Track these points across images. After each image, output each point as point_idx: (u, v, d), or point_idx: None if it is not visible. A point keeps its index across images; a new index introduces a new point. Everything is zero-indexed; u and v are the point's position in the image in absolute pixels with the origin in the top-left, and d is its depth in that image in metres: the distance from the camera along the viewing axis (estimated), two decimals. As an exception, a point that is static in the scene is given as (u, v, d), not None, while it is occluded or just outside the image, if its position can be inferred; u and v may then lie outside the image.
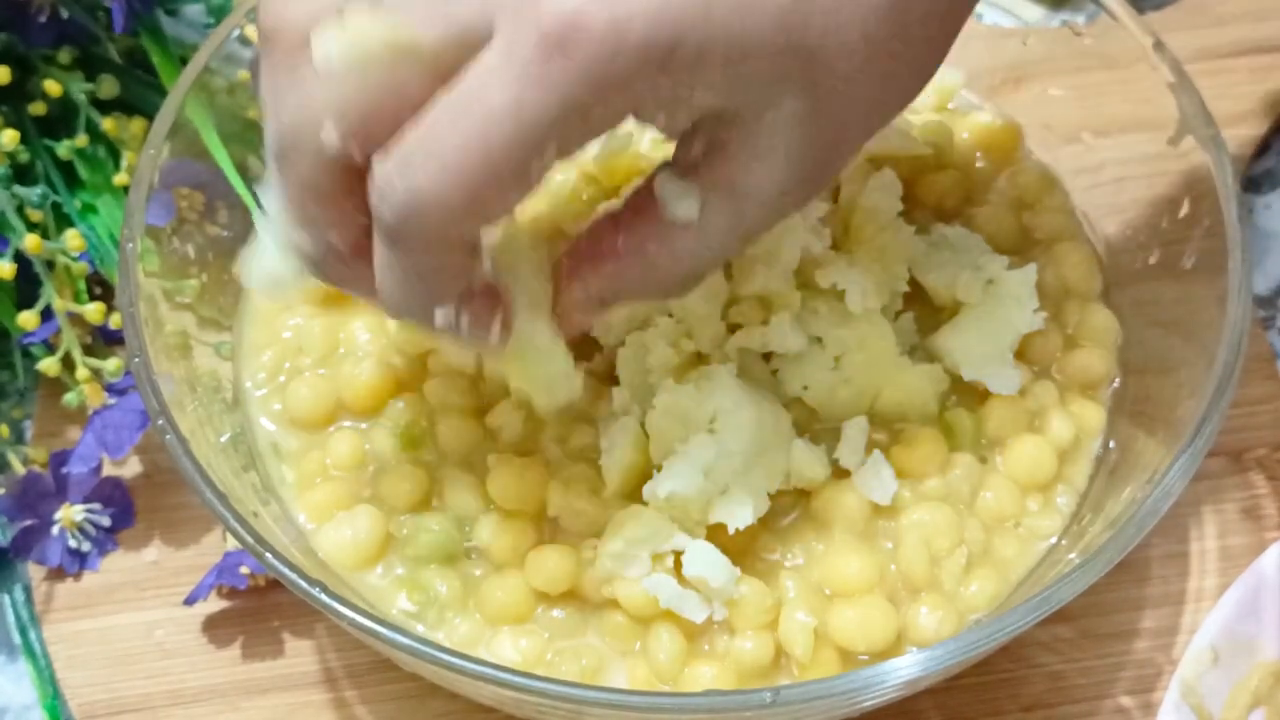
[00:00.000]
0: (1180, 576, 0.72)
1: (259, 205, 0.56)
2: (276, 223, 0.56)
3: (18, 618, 0.73)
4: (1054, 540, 0.65)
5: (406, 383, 0.67)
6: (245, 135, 0.75)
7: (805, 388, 0.64)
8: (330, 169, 0.51)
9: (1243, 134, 0.85)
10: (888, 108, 0.56)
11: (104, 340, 0.77)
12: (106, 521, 0.73)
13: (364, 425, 0.67)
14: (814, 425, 0.65)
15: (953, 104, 0.78)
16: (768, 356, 0.65)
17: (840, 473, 0.64)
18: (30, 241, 0.73)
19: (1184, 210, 0.69)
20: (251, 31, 0.75)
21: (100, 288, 0.79)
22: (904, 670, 0.56)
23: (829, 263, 0.64)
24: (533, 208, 0.68)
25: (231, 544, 0.71)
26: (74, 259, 0.75)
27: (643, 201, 0.56)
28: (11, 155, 0.76)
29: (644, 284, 0.56)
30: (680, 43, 0.48)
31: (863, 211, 0.67)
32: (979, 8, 0.87)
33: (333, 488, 0.65)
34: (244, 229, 0.73)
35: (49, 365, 0.74)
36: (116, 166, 0.80)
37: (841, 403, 0.64)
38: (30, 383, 0.79)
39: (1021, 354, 0.68)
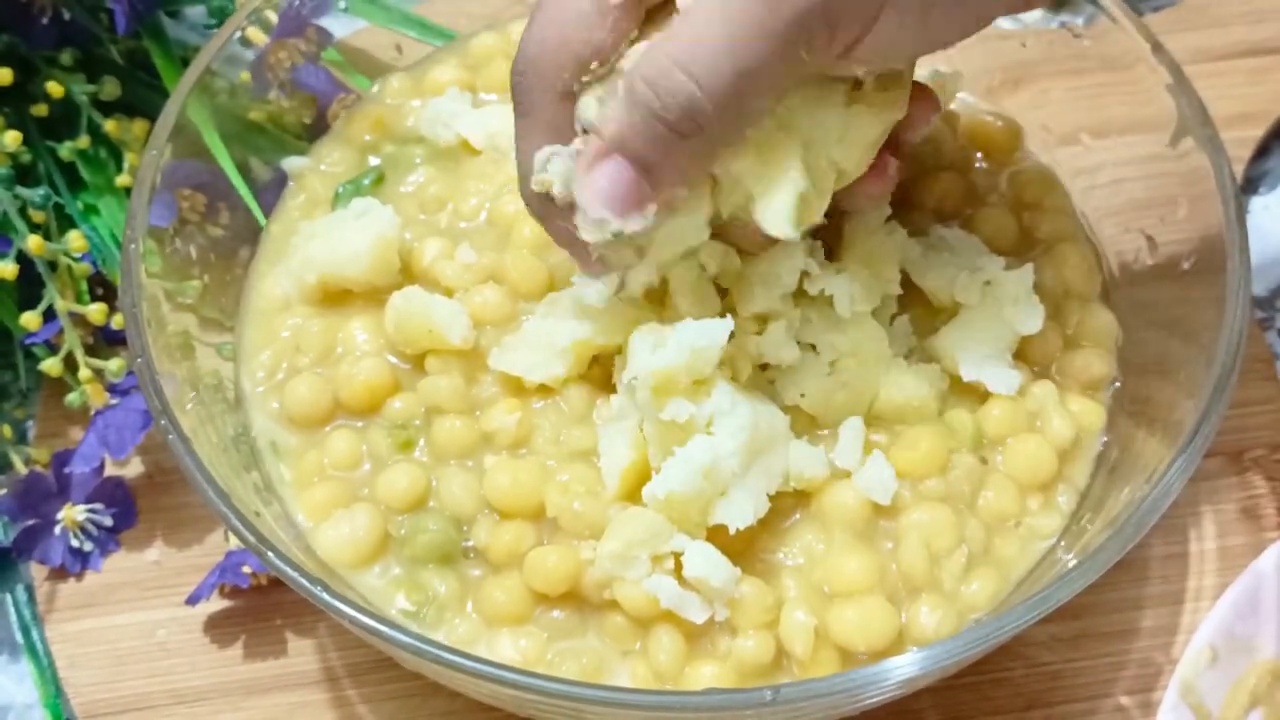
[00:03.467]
0: (1179, 576, 0.72)
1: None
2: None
3: (20, 617, 0.74)
4: (1054, 540, 0.65)
5: (404, 382, 0.68)
6: (246, 136, 0.75)
7: (802, 395, 0.64)
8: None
9: (1241, 135, 0.85)
10: None
11: (106, 341, 0.77)
12: (108, 521, 0.73)
13: (360, 424, 0.67)
14: (812, 429, 0.65)
15: (952, 104, 0.78)
16: (764, 366, 0.65)
17: (840, 473, 0.64)
18: (33, 242, 0.73)
19: (1182, 211, 0.70)
20: (252, 33, 0.75)
21: (102, 288, 0.79)
22: (903, 669, 0.57)
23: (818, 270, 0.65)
24: None
25: (234, 543, 0.71)
26: (76, 260, 0.75)
27: None
28: (14, 156, 0.77)
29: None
30: None
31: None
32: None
33: (331, 487, 0.66)
34: (245, 230, 0.74)
35: (51, 366, 0.74)
36: (119, 168, 0.80)
37: (839, 407, 0.64)
38: (33, 383, 0.80)
39: (1021, 354, 0.68)
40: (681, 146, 0.56)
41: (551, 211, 0.61)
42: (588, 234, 0.58)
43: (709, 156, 0.58)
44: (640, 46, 0.58)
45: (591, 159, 0.57)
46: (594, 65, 0.58)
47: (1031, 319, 0.67)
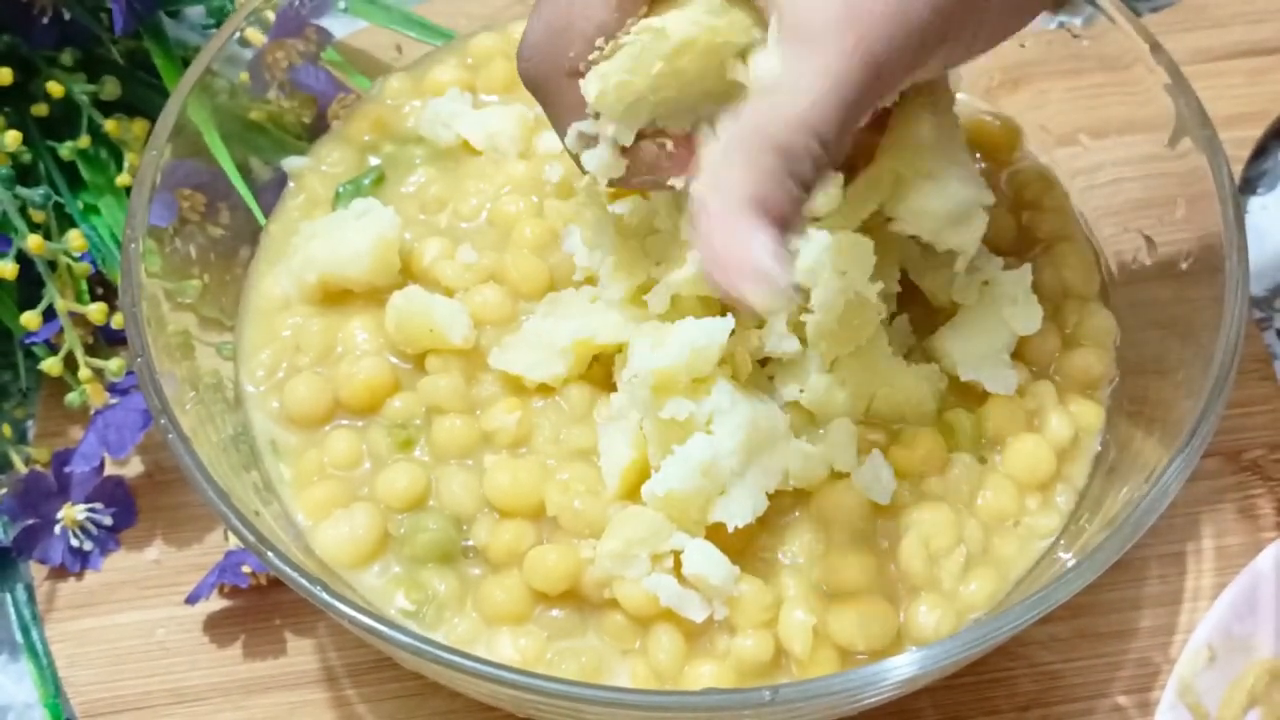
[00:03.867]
0: (1177, 576, 0.72)
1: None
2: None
3: (20, 616, 0.74)
4: (1053, 539, 0.65)
5: (404, 382, 0.68)
6: (247, 136, 0.75)
7: (801, 391, 0.64)
8: None
9: (1239, 135, 0.85)
10: None
11: (106, 340, 0.77)
12: (108, 521, 0.73)
13: (360, 424, 0.67)
14: (811, 427, 0.65)
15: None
16: (763, 362, 0.65)
17: (839, 472, 0.64)
18: (33, 242, 0.73)
19: (1181, 211, 0.70)
20: (252, 34, 0.75)
21: (102, 288, 0.79)
22: (902, 669, 0.57)
23: None
24: None
25: (233, 543, 0.71)
26: (76, 259, 0.75)
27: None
28: (14, 156, 0.76)
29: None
30: None
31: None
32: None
33: (330, 486, 0.66)
34: (245, 229, 0.74)
35: (51, 365, 0.74)
36: (119, 167, 0.80)
37: (837, 405, 0.65)
38: (33, 383, 0.80)
39: (1020, 354, 0.68)
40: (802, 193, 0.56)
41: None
42: (766, 304, 0.55)
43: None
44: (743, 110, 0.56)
45: (723, 234, 0.55)
46: (600, 41, 0.58)
47: (1030, 319, 0.67)
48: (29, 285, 0.75)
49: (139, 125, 0.80)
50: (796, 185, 0.55)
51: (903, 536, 0.63)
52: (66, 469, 0.73)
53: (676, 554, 0.61)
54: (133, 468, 0.76)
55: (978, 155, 0.76)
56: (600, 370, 0.66)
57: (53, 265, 0.75)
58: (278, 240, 0.74)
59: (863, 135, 0.61)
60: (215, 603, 0.72)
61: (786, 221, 0.55)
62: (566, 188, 0.72)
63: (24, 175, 0.78)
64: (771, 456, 0.62)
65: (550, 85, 0.59)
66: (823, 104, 0.54)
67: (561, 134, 0.60)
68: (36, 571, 0.73)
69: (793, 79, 0.55)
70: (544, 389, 0.66)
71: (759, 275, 0.53)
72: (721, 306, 0.63)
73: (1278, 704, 0.67)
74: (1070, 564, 0.61)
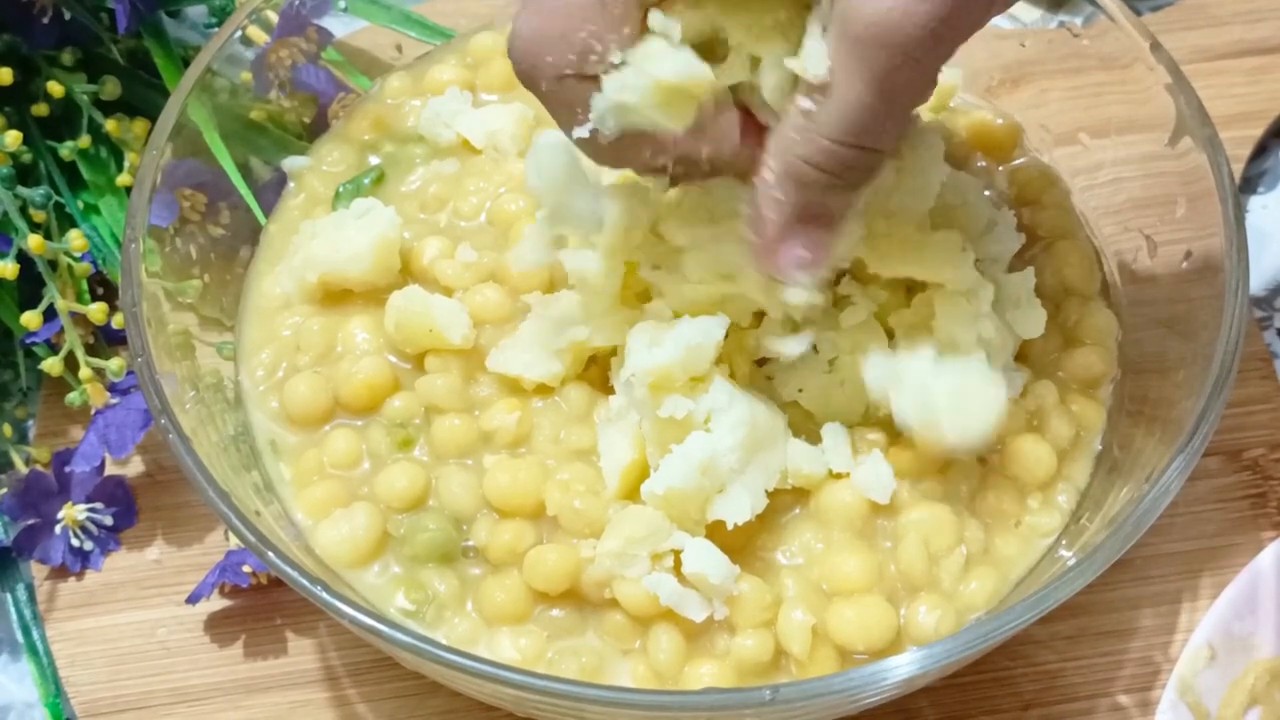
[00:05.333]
0: (1177, 575, 0.72)
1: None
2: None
3: (20, 616, 0.74)
4: (1054, 538, 0.65)
5: (403, 381, 0.68)
6: (247, 136, 0.75)
7: (800, 390, 0.64)
8: None
9: (1240, 134, 0.85)
10: None
11: (106, 340, 0.77)
12: (109, 520, 0.73)
13: (360, 423, 0.68)
14: (810, 427, 0.65)
15: (951, 104, 0.78)
16: (761, 362, 0.65)
17: (839, 472, 0.64)
18: (33, 242, 0.73)
19: (1181, 210, 0.70)
20: (253, 33, 0.75)
21: (103, 288, 0.79)
22: (901, 669, 0.57)
23: None
24: None
25: (234, 543, 0.71)
26: (77, 259, 0.76)
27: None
28: (14, 156, 0.77)
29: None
30: None
31: None
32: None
33: (330, 485, 0.66)
34: (246, 229, 0.74)
35: (52, 365, 0.74)
36: (119, 167, 0.80)
37: (837, 405, 0.65)
38: (33, 382, 0.80)
39: (1021, 353, 0.68)
40: (860, 189, 0.58)
41: (603, 153, 0.60)
42: (798, 297, 0.60)
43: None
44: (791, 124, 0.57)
45: (769, 248, 0.59)
46: (598, 49, 0.57)
47: (1033, 322, 0.67)
48: (29, 285, 0.75)
49: (139, 125, 0.80)
50: (846, 188, 0.57)
51: (902, 536, 0.63)
52: (67, 469, 0.73)
53: (676, 553, 0.61)
54: (133, 468, 0.76)
55: (979, 154, 0.76)
56: (599, 371, 0.67)
57: (53, 265, 0.75)
58: (278, 240, 0.74)
59: None
60: (216, 602, 0.72)
61: (830, 221, 0.58)
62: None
63: (24, 175, 0.78)
64: (771, 454, 0.62)
65: (544, 87, 0.59)
66: (871, 111, 0.55)
67: (566, 131, 0.60)
68: (37, 571, 0.73)
69: (844, 88, 0.55)
70: (543, 389, 0.66)
71: (797, 278, 0.59)
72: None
73: (1278, 703, 0.67)
74: (1071, 563, 0.61)
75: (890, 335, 0.65)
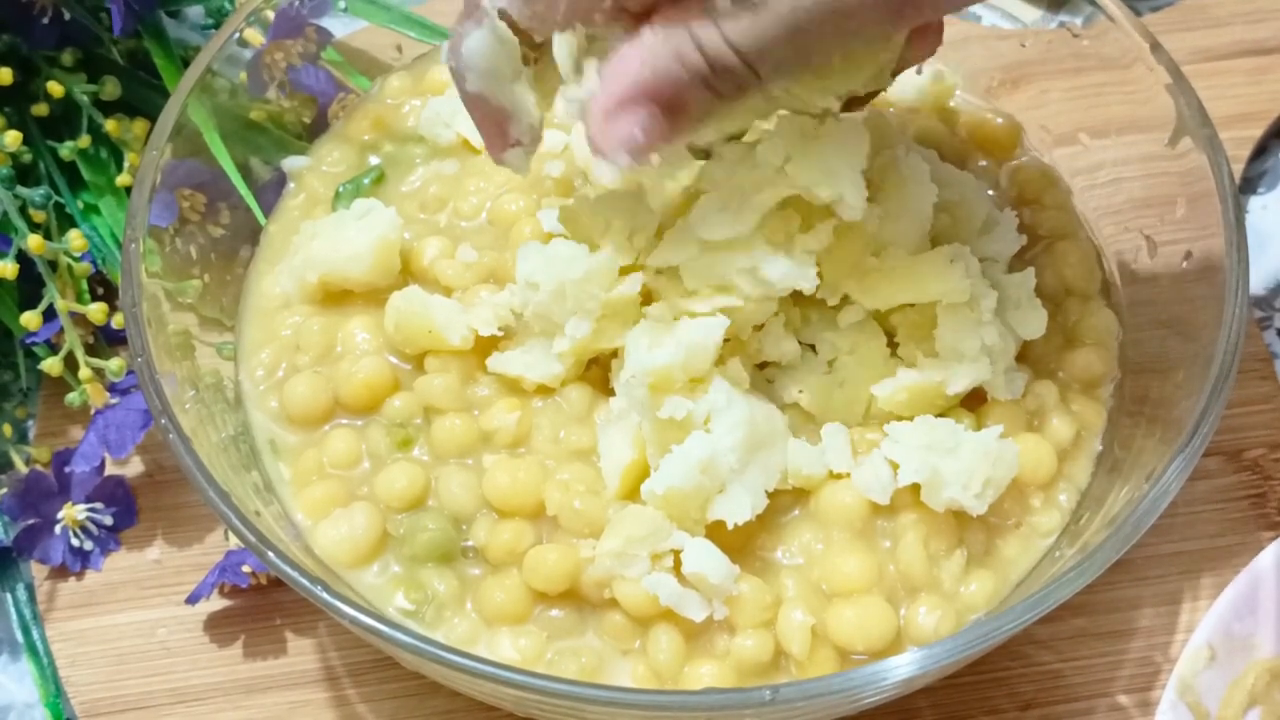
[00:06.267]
0: (1177, 576, 0.72)
1: None
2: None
3: (20, 616, 0.74)
4: (1054, 538, 0.65)
5: (403, 381, 0.68)
6: (247, 136, 0.75)
7: (800, 392, 0.64)
8: None
9: (1240, 135, 0.85)
10: None
11: (106, 340, 0.77)
12: (109, 520, 0.73)
13: (360, 423, 0.68)
14: (810, 427, 0.65)
15: (951, 104, 0.78)
16: (761, 366, 0.65)
17: (839, 472, 0.64)
18: (33, 242, 0.73)
19: (1181, 211, 0.70)
20: (252, 34, 0.75)
21: (103, 288, 0.79)
22: (901, 669, 0.57)
23: None
24: None
25: (234, 543, 0.71)
26: (76, 259, 0.76)
27: None
28: (14, 156, 0.77)
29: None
30: None
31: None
32: (977, 9, 0.87)
33: (330, 485, 0.66)
34: (246, 229, 0.74)
35: (52, 365, 0.74)
36: (119, 167, 0.80)
37: (837, 406, 0.65)
38: (33, 382, 0.80)
39: (1021, 353, 0.68)
40: (718, 101, 0.57)
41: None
42: (604, 177, 0.58)
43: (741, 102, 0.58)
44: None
45: (612, 105, 0.57)
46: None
47: (1034, 323, 0.67)
48: (29, 285, 0.75)
49: (139, 125, 0.80)
50: (710, 92, 0.56)
51: (902, 536, 0.63)
52: (67, 469, 0.73)
53: (676, 554, 0.61)
54: (133, 468, 0.76)
55: (979, 154, 0.76)
56: (598, 372, 0.67)
57: (53, 265, 0.75)
58: (278, 240, 0.74)
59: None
60: (216, 602, 0.72)
61: (675, 110, 0.56)
62: (566, 185, 0.72)
63: (24, 175, 0.78)
64: (770, 455, 0.62)
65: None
66: (784, 37, 0.54)
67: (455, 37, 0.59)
68: (37, 571, 0.73)
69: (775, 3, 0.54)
70: (543, 389, 0.66)
71: (611, 152, 0.57)
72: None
73: (1278, 703, 0.67)
74: (1071, 563, 0.61)
75: (890, 335, 0.65)
